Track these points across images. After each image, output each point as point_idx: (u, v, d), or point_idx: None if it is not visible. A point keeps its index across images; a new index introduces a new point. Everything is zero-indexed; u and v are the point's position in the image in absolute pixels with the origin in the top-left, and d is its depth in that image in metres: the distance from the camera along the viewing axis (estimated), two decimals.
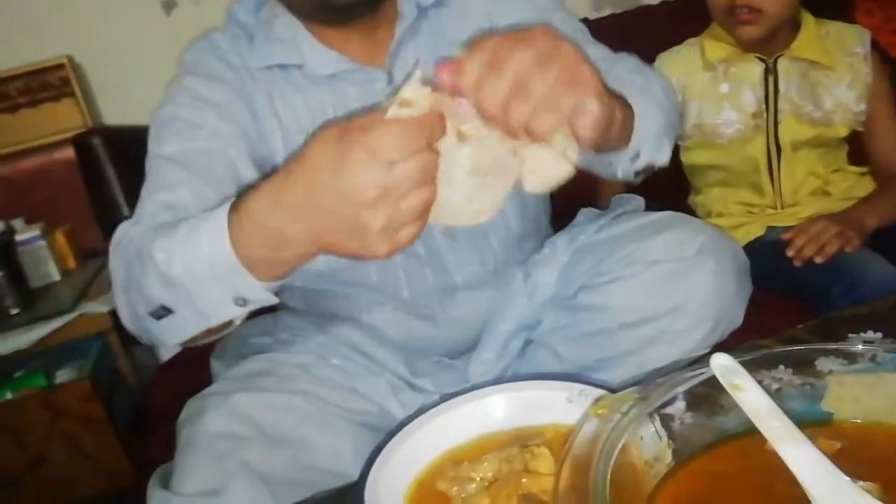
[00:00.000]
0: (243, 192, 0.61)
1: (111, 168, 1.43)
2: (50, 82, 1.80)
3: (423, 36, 0.91)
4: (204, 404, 0.80)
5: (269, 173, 0.78)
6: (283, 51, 0.87)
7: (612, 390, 0.59)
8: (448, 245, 0.92)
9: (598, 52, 0.92)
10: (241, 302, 0.63)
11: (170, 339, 0.69)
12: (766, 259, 1.25)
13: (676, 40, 1.46)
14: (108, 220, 1.46)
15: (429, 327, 0.95)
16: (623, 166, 0.81)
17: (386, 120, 0.51)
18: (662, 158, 0.82)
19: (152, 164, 0.83)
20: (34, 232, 1.71)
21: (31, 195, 1.84)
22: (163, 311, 0.66)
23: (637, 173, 0.83)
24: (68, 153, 1.73)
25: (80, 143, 1.46)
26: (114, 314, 1.54)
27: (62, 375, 1.56)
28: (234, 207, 0.61)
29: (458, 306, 0.95)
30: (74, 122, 1.81)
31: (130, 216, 1.46)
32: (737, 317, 0.88)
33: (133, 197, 1.42)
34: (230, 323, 0.68)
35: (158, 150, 0.83)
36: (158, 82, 1.82)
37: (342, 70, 0.87)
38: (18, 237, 1.67)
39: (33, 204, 1.83)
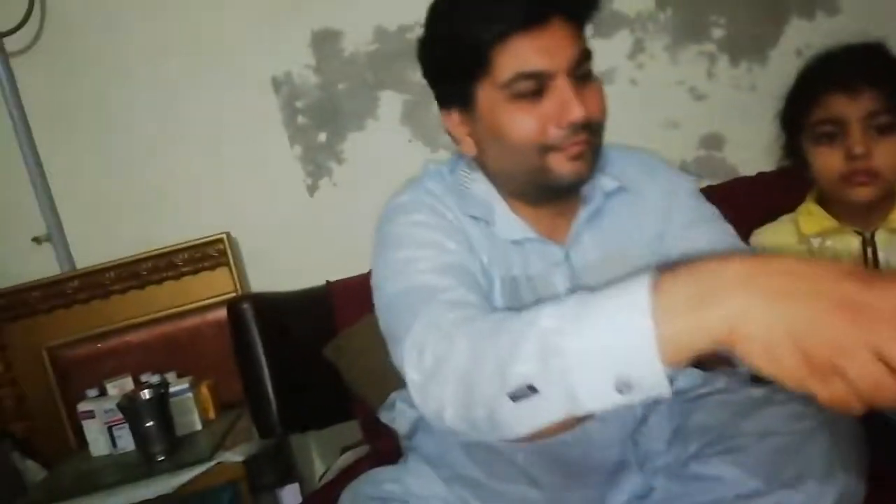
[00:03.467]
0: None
1: (256, 330, 1.61)
2: (209, 254, 2.01)
3: (602, 220, 0.97)
4: None
5: None
6: (479, 208, 0.94)
7: None
8: (598, 427, 0.94)
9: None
10: (624, 388, 0.53)
11: (521, 426, 0.61)
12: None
13: (772, 212, 1.49)
14: (250, 374, 1.61)
15: (546, 500, 0.98)
16: None
17: None
18: None
19: (398, 301, 0.80)
20: (184, 384, 1.85)
21: (184, 350, 2.01)
22: (526, 392, 0.58)
23: None
24: (217, 314, 1.96)
25: (233, 308, 1.64)
26: (247, 463, 1.67)
27: None
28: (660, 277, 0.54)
29: (582, 484, 0.98)
30: (226, 287, 2.02)
31: (270, 372, 1.60)
32: (856, 492, 0.85)
33: (271, 356, 1.60)
34: (585, 419, 0.60)
35: (403, 285, 0.81)
36: (298, 252, 2.08)
37: (527, 238, 0.94)
38: (171, 389, 1.81)
39: (184, 358, 1.99)
